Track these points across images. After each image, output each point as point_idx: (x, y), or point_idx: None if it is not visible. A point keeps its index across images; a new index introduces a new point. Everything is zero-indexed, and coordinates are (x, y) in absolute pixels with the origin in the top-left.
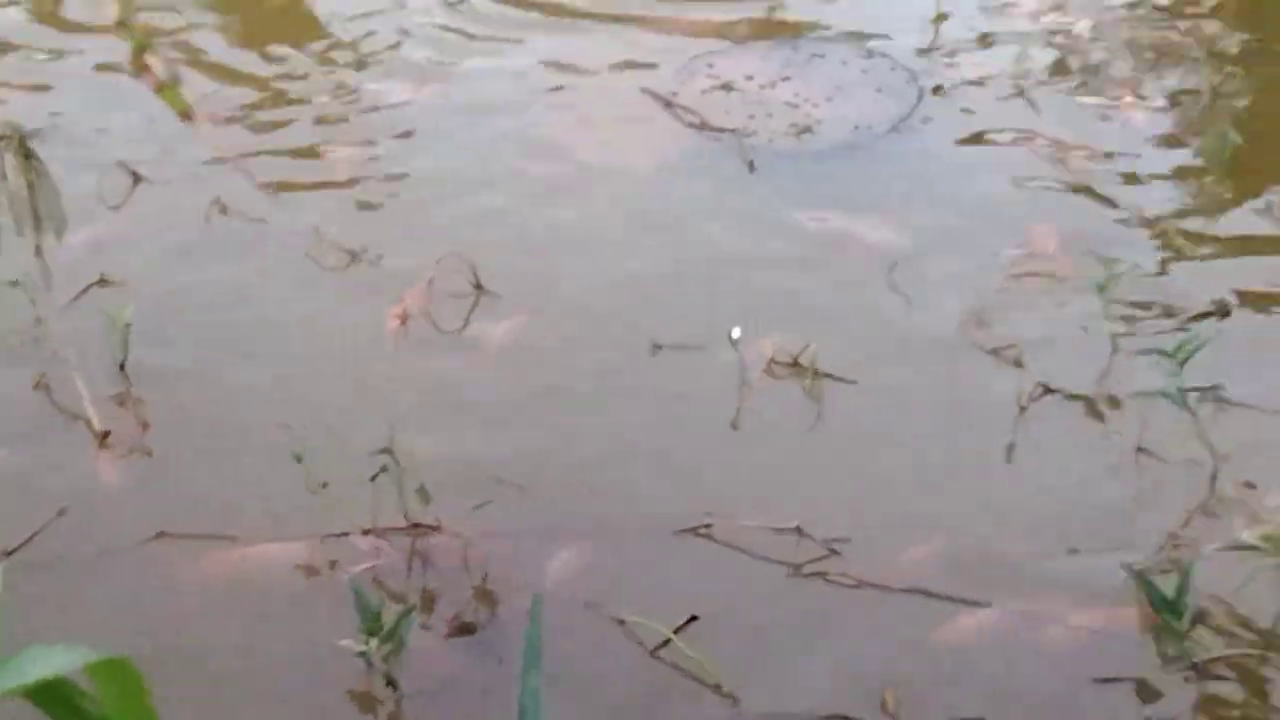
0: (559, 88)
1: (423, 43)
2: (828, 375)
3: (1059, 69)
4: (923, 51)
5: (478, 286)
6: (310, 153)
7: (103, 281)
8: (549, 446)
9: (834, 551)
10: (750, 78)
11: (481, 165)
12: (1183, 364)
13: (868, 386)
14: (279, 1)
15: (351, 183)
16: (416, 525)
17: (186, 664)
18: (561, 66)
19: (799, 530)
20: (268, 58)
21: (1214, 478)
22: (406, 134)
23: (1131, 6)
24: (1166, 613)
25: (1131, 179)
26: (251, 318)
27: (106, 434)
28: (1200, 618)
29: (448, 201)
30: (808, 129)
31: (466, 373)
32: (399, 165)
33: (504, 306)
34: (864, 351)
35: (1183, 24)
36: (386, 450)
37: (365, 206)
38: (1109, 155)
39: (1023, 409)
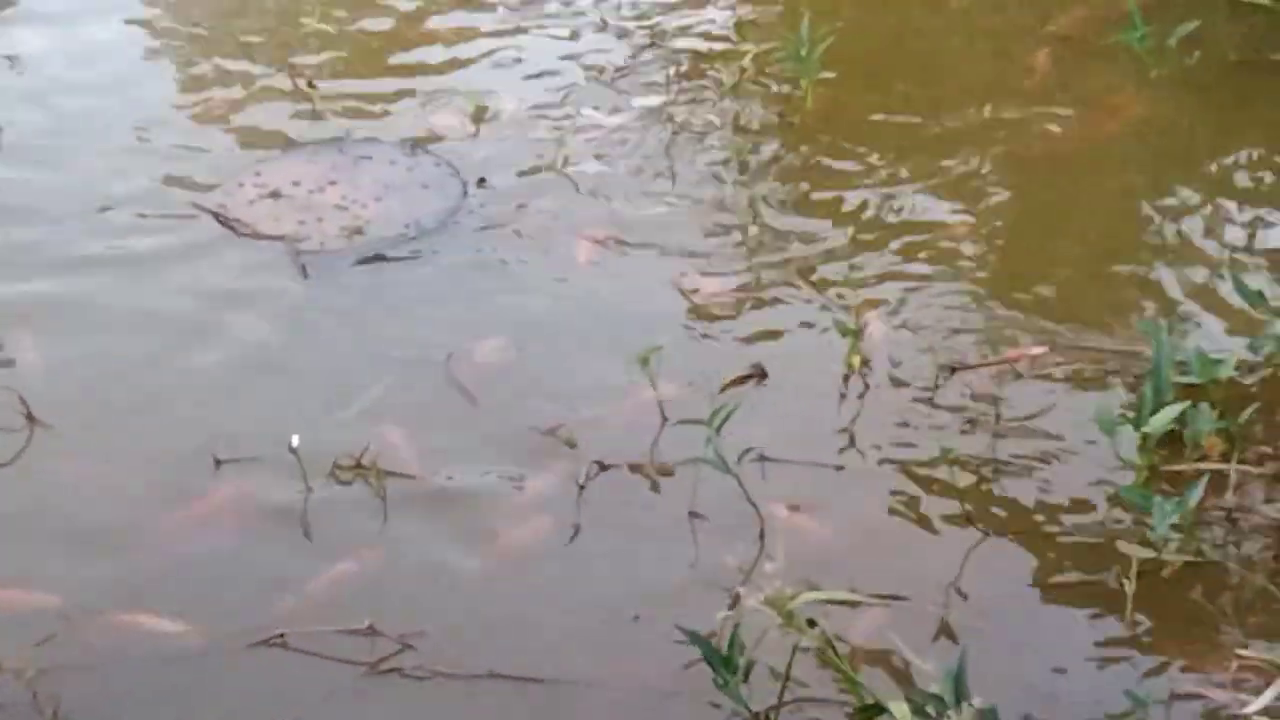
0: (105, 208)
1: None
2: (391, 473)
3: (599, 152)
4: (466, 145)
5: (29, 418)
6: None
7: None
8: (107, 573)
9: (408, 646)
10: (298, 183)
11: (18, 287)
12: (718, 429)
13: (429, 480)
14: None
15: None
16: None
17: None
18: (110, 182)
19: (372, 629)
20: None
21: (761, 534)
22: None
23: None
24: (723, 669)
25: (666, 250)
26: None
27: None
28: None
29: None
30: (358, 230)
31: (16, 505)
32: None
33: (57, 438)
34: (430, 445)
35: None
36: None
37: None
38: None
39: (581, 488)
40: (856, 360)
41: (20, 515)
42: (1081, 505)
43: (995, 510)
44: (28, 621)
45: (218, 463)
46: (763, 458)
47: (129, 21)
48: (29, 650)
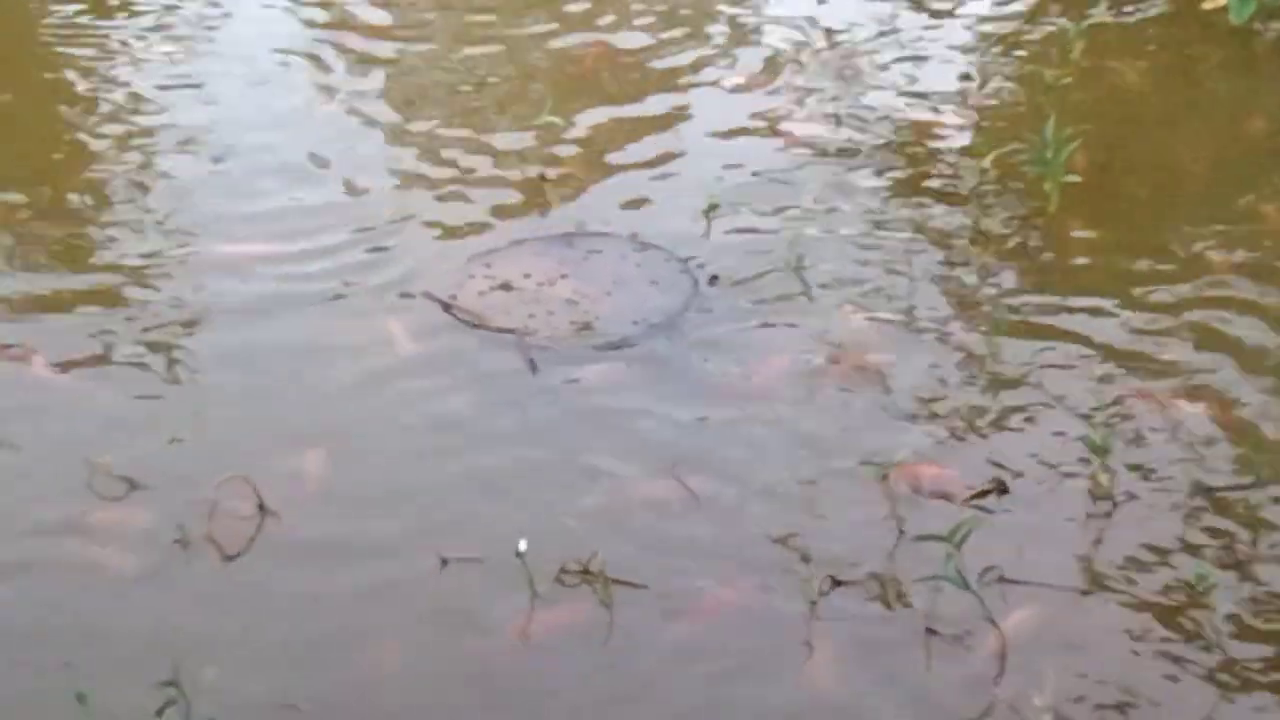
0: (339, 295)
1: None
2: (619, 581)
3: (834, 253)
4: (697, 242)
5: (261, 508)
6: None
7: None
8: (338, 669)
9: None
10: (528, 276)
11: (253, 377)
12: (959, 546)
13: (658, 590)
14: None
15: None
16: None
17: None
18: (335, 269)
19: None
20: None
21: (1001, 656)
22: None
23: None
24: None
25: (906, 363)
26: (26, 549)
27: None
28: None
29: (228, 424)
30: (588, 325)
31: (251, 597)
32: (176, 386)
33: (287, 527)
34: (653, 553)
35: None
36: (172, 682)
37: (142, 429)
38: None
39: (813, 604)
40: (1105, 478)
41: (237, 602)
42: None
43: (1252, 651)
44: (254, 714)
45: (443, 561)
46: (1002, 579)
47: (349, 112)
48: None
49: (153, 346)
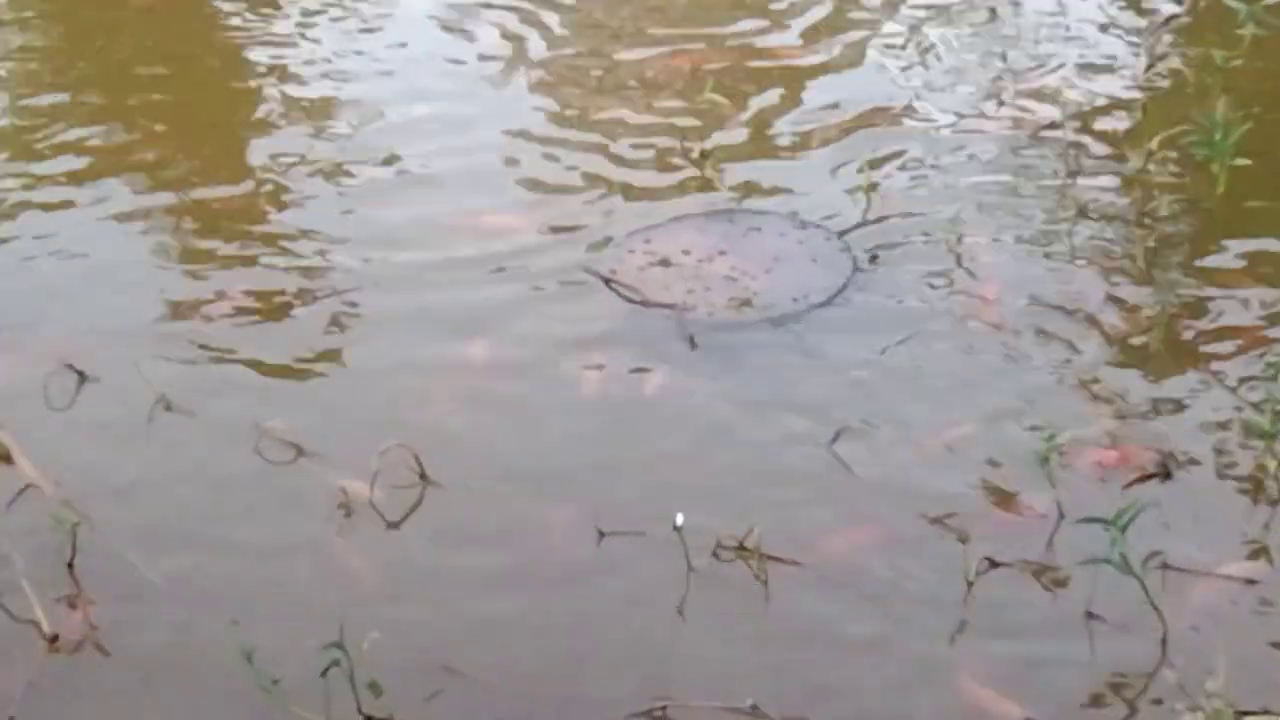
0: (500, 269)
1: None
2: (773, 558)
3: (996, 234)
4: (857, 221)
5: (422, 477)
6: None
7: None
8: (498, 635)
9: None
10: (688, 252)
11: (420, 350)
12: (1123, 530)
13: (813, 567)
14: None
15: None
16: (370, 719)
17: None
18: (498, 242)
19: (754, 709)
20: None
21: (1164, 642)
22: (351, 309)
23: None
24: None
25: (1067, 345)
26: (196, 512)
27: (55, 637)
28: None
29: (391, 389)
30: (747, 302)
31: (413, 564)
32: (342, 354)
33: (448, 497)
34: (808, 530)
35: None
36: (337, 644)
37: (309, 395)
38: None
39: (970, 584)
40: (1273, 464)
41: (399, 567)
42: None
43: None
44: (417, 677)
45: (600, 534)
46: (1165, 565)
47: (510, 86)
48: (421, 705)
49: (326, 314)
